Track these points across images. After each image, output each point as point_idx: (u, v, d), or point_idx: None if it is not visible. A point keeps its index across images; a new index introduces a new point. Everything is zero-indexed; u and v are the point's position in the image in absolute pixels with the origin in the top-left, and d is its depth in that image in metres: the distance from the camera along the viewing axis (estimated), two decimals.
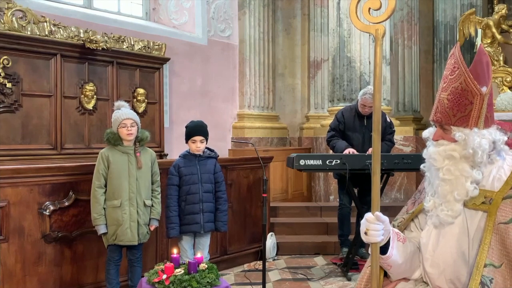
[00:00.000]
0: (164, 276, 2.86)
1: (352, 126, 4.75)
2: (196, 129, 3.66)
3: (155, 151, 3.77)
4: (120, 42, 5.74)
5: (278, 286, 4.30)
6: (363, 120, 4.74)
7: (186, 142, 3.70)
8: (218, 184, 3.72)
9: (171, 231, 3.60)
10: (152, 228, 3.52)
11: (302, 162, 4.25)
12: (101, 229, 3.32)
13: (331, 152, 5.03)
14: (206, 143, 3.73)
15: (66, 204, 3.54)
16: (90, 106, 5.48)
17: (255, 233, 5.04)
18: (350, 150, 4.53)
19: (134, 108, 5.70)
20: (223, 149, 6.97)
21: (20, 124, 4.95)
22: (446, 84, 1.74)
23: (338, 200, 5.05)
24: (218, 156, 3.90)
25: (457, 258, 1.73)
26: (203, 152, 3.72)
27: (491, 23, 7.55)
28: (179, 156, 3.77)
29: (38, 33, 4.99)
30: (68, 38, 5.23)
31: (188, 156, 3.70)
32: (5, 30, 4.76)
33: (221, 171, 3.81)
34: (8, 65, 4.81)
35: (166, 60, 6.32)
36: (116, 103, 3.56)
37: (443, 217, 1.74)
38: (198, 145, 3.64)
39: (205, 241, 3.73)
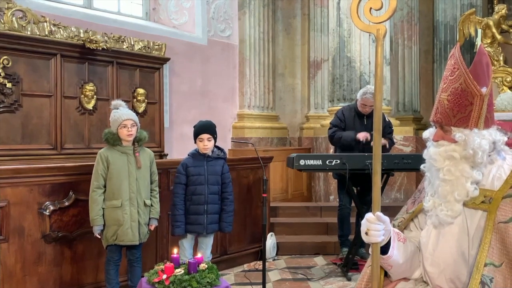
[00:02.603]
0: (164, 276, 2.86)
1: (352, 125, 4.75)
2: (202, 128, 3.66)
3: (155, 151, 3.77)
4: (120, 42, 5.74)
5: (278, 286, 4.30)
6: (363, 120, 4.74)
7: (195, 141, 3.70)
8: (225, 185, 3.72)
9: (177, 229, 3.61)
10: (152, 228, 3.52)
11: (302, 162, 4.25)
12: (97, 230, 3.32)
13: (331, 151, 5.02)
14: (215, 142, 3.72)
15: (66, 204, 3.54)
16: (90, 106, 5.48)
17: (255, 233, 5.04)
18: (362, 135, 4.51)
19: (134, 108, 5.70)
20: (223, 149, 6.96)
21: (20, 124, 4.95)
22: (446, 84, 1.75)
23: (338, 200, 5.05)
24: (227, 156, 3.90)
25: (457, 258, 1.73)
26: (212, 151, 3.71)
27: (491, 23, 7.55)
28: (188, 155, 3.76)
29: (38, 33, 4.99)
30: (68, 38, 5.23)
31: (196, 156, 3.69)
32: (5, 30, 4.76)
33: (229, 172, 3.80)
34: (8, 65, 4.81)
35: (166, 60, 6.32)
36: (113, 102, 3.53)
37: (443, 217, 1.74)
38: (205, 143, 3.62)
39: (208, 241, 3.73)
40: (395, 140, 5.04)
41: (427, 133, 1.86)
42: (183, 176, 3.63)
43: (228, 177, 3.76)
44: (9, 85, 4.82)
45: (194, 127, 3.72)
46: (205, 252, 3.64)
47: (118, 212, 3.31)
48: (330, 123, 4.91)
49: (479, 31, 7.39)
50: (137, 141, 3.45)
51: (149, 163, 3.52)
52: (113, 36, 5.67)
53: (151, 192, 3.52)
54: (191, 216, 3.61)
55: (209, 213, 3.61)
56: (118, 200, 3.32)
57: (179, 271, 2.90)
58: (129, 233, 3.33)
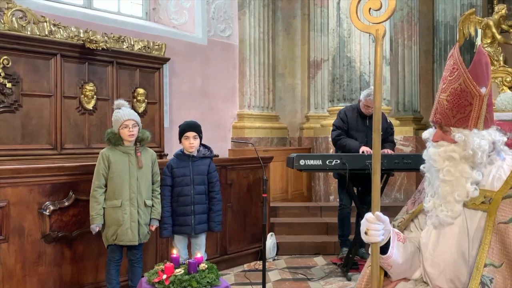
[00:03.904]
0: (164, 276, 2.87)
1: (355, 126, 4.75)
2: (188, 126, 3.65)
3: (155, 151, 3.76)
4: (120, 42, 5.74)
5: (278, 286, 4.30)
6: (366, 120, 4.74)
7: (180, 141, 3.68)
8: (211, 184, 3.69)
9: (164, 232, 3.61)
10: (153, 228, 3.52)
11: (302, 162, 4.25)
12: (94, 228, 3.32)
13: (331, 151, 5.02)
14: (201, 141, 3.70)
15: (66, 204, 3.54)
16: (90, 106, 5.48)
17: (255, 233, 5.04)
18: (365, 149, 4.51)
19: (134, 108, 5.67)
20: (223, 149, 6.97)
21: (20, 124, 4.95)
22: (446, 85, 1.75)
23: (338, 200, 5.05)
24: (214, 155, 3.87)
25: (457, 258, 1.73)
26: (198, 151, 3.69)
27: (491, 23, 7.55)
28: (173, 156, 3.75)
29: (38, 33, 4.99)
30: (68, 38, 5.23)
31: (181, 156, 3.67)
32: (5, 30, 4.76)
33: (216, 171, 3.76)
34: (8, 65, 4.81)
35: (166, 60, 6.32)
36: (116, 102, 3.54)
37: (443, 217, 1.74)
38: (191, 141, 3.60)
39: (201, 241, 3.71)
40: (395, 141, 5.04)
41: (427, 134, 1.86)
42: (169, 178, 3.62)
43: (215, 176, 3.73)
44: (9, 85, 4.82)
45: (179, 127, 3.71)
46: (199, 252, 3.63)
47: (118, 212, 3.32)
48: (333, 124, 4.88)
49: (479, 31, 7.39)
50: (139, 141, 3.45)
51: (151, 163, 3.51)
52: (113, 36, 5.67)
53: (152, 193, 3.52)
54: (179, 218, 3.60)
55: (196, 213, 3.60)
56: (118, 200, 3.32)
57: (179, 271, 2.90)
58: (128, 233, 3.33)
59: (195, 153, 3.67)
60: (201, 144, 3.72)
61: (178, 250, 3.62)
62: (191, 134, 3.61)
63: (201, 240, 3.71)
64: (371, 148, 4.47)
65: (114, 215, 3.32)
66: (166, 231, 3.59)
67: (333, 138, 4.84)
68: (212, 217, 3.68)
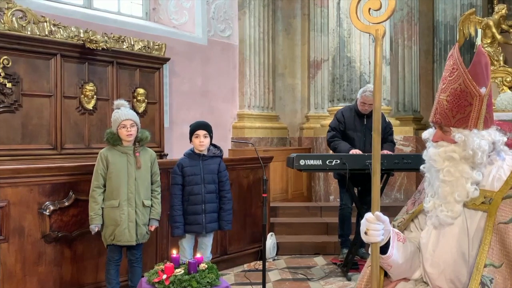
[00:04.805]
0: (164, 276, 2.87)
1: (352, 126, 4.74)
2: (199, 125, 3.69)
3: (155, 151, 3.76)
4: (120, 42, 5.74)
5: (278, 286, 4.30)
6: (363, 120, 4.73)
7: (190, 140, 3.70)
8: (222, 183, 3.72)
9: (176, 230, 3.61)
10: (152, 229, 3.51)
11: (302, 162, 4.25)
12: (93, 228, 3.32)
13: (331, 152, 5.02)
14: (211, 141, 3.72)
15: (66, 204, 3.54)
16: (90, 106, 5.48)
17: (255, 233, 5.04)
18: (355, 151, 4.51)
19: (134, 108, 5.69)
20: (223, 149, 6.95)
21: (20, 124, 4.95)
22: (445, 85, 1.75)
23: (338, 200, 5.05)
24: (223, 154, 3.90)
25: (457, 258, 1.73)
26: (208, 150, 3.71)
27: (491, 23, 7.55)
28: (184, 155, 3.76)
29: (38, 33, 4.99)
30: (68, 38, 5.23)
31: (192, 155, 3.69)
32: (5, 30, 4.76)
33: (226, 170, 3.80)
34: (8, 65, 4.81)
35: (166, 60, 6.32)
36: (116, 102, 3.55)
37: (443, 217, 1.74)
38: (201, 140, 3.62)
39: (208, 241, 3.73)
40: (395, 141, 5.04)
41: (427, 134, 1.86)
42: (179, 177, 3.63)
43: (225, 175, 3.75)
44: (9, 85, 4.82)
45: (190, 126, 3.73)
46: (205, 252, 3.64)
47: (116, 212, 3.32)
48: (329, 125, 4.88)
49: (479, 31, 7.39)
50: (138, 141, 3.45)
51: (150, 163, 3.51)
52: (113, 36, 5.67)
53: (152, 193, 3.51)
54: (190, 216, 3.61)
55: (207, 212, 3.61)
56: (116, 200, 3.32)
57: (179, 271, 2.90)
58: (126, 234, 3.32)
59: (205, 152, 3.68)
60: (211, 144, 3.74)
61: (185, 249, 3.64)
62: (201, 132, 3.64)
63: (209, 240, 3.74)
64: (365, 149, 4.52)
65: (112, 215, 3.32)
66: (178, 229, 3.60)
67: (327, 140, 4.85)
68: (222, 216, 3.71)
